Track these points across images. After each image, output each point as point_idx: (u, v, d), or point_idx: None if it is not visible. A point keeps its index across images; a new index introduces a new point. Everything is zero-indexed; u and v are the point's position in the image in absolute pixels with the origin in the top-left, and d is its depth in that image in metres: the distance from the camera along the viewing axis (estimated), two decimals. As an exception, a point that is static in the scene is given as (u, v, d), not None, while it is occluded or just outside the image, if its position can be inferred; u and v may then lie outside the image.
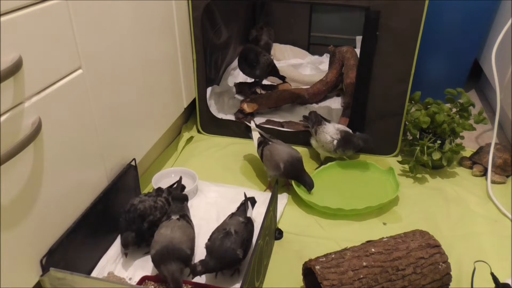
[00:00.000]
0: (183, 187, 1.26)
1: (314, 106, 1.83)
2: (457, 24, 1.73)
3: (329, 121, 1.47)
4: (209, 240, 1.02)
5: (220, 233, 1.01)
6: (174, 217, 1.06)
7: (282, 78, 1.89)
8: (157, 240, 1.00)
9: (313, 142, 1.47)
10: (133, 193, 1.21)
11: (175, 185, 1.25)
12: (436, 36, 1.73)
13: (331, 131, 1.40)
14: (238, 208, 1.14)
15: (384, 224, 1.24)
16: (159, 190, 1.18)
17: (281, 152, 1.31)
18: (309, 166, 1.46)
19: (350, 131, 1.43)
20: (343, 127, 1.43)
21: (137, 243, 1.07)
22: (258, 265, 0.96)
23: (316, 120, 1.47)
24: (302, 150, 1.46)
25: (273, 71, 1.84)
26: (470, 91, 2.00)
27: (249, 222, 1.06)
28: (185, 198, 1.17)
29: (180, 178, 1.29)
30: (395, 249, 0.97)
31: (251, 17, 2.28)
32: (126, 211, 1.09)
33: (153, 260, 0.98)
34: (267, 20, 2.27)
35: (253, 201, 1.17)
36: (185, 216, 1.08)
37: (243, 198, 1.15)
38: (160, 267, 0.96)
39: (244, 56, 1.77)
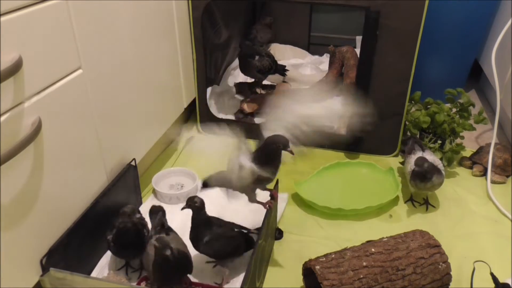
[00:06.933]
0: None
1: (314, 106, 1.83)
2: (457, 24, 1.73)
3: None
4: None
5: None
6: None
7: (284, 72, 1.87)
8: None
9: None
10: (133, 193, 1.21)
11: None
12: (436, 36, 1.73)
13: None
14: None
15: (391, 216, 1.26)
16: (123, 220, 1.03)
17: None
18: (310, 165, 1.46)
19: None
20: None
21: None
22: (258, 265, 0.96)
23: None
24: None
25: (276, 70, 1.83)
26: (470, 91, 2.00)
27: None
28: (161, 209, 1.03)
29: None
30: (395, 249, 0.97)
31: (251, 17, 2.28)
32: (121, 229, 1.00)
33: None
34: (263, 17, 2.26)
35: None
36: (171, 229, 1.03)
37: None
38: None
39: (243, 60, 1.76)
